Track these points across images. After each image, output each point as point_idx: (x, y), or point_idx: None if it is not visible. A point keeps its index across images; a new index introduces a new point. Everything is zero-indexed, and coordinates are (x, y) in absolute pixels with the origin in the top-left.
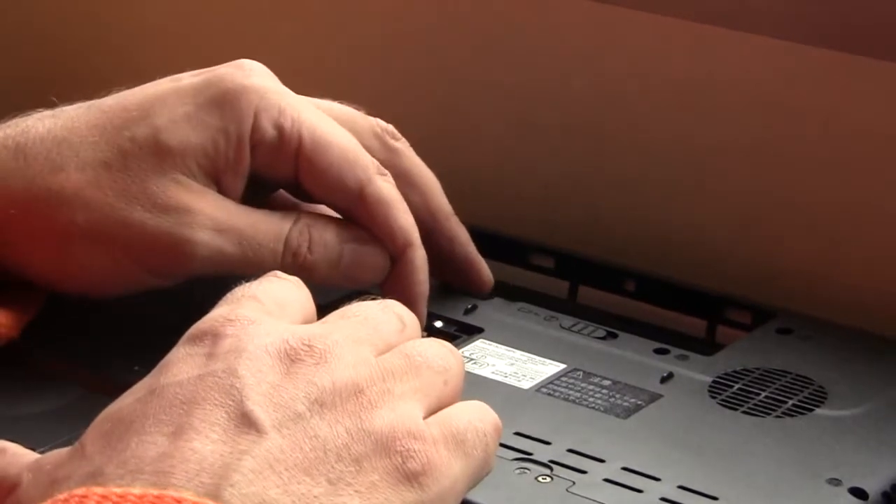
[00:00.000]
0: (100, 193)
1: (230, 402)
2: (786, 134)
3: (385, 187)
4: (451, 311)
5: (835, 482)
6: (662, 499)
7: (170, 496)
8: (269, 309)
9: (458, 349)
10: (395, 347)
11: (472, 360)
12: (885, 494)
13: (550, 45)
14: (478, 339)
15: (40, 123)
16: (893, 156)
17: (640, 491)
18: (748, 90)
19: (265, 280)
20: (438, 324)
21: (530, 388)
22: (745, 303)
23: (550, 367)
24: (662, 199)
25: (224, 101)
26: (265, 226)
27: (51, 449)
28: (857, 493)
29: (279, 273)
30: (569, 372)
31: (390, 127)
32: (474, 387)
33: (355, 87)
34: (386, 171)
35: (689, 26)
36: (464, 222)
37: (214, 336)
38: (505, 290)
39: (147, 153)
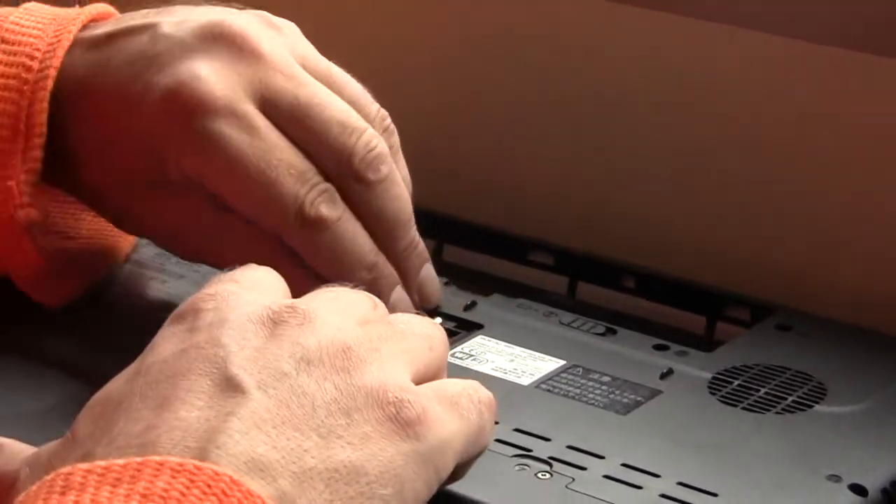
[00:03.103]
0: None
1: (214, 370)
2: (785, 131)
3: (298, 238)
4: (450, 308)
5: (834, 479)
6: (662, 495)
7: (152, 460)
8: (246, 287)
9: (458, 345)
10: (374, 320)
11: (471, 356)
12: (884, 491)
13: (549, 42)
14: (477, 335)
15: None
16: (892, 153)
17: (639, 487)
18: (746, 87)
19: (241, 268)
20: (438, 320)
21: (530, 385)
22: (744, 299)
23: (550, 364)
24: (662, 196)
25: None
26: None
27: None
28: (857, 489)
29: (254, 265)
30: (568, 368)
31: (375, 151)
32: None
33: None
34: (311, 213)
35: (689, 22)
36: (463, 219)
37: (196, 311)
38: (504, 287)
39: None
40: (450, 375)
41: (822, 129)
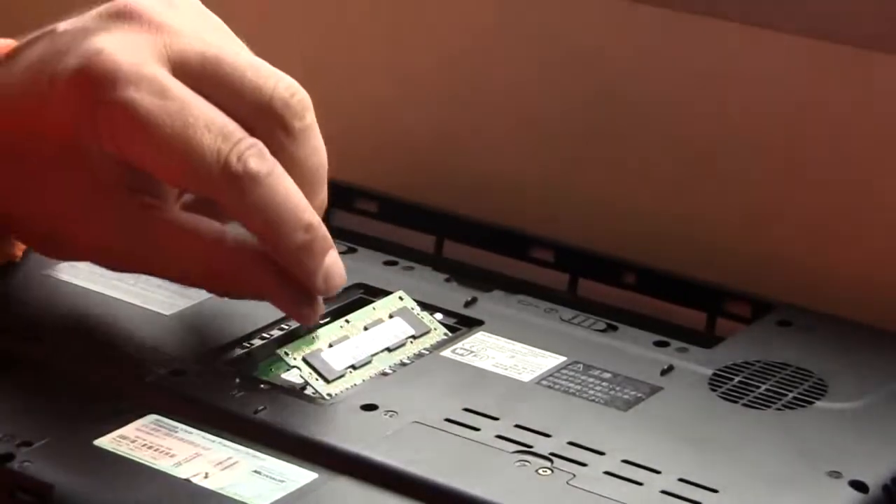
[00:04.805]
0: None
1: None
2: (786, 127)
3: (228, 197)
4: (451, 304)
5: (835, 475)
6: (663, 491)
7: None
8: None
9: (458, 342)
10: None
11: (472, 352)
12: (885, 487)
13: (551, 39)
14: (478, 331)
15: None
16: (893, 149)
17: (640, 484)
18: (746, 84)
19: None
20: (439, 316)
21: (530, 381)
22: (744, 295)
23: (551, 360)
24: (662, 193)
25: None
26: None
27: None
28: (858, 485)
29: None
30: (569, 364)
31: (298, 97)
32: (475, 379)
33: (357, 83)
34: (239, 168)
35: (691, 20)
36: (464, 215)
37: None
38: (505, 283)
39: None
40: (450, 372)
41: (822, 126)
